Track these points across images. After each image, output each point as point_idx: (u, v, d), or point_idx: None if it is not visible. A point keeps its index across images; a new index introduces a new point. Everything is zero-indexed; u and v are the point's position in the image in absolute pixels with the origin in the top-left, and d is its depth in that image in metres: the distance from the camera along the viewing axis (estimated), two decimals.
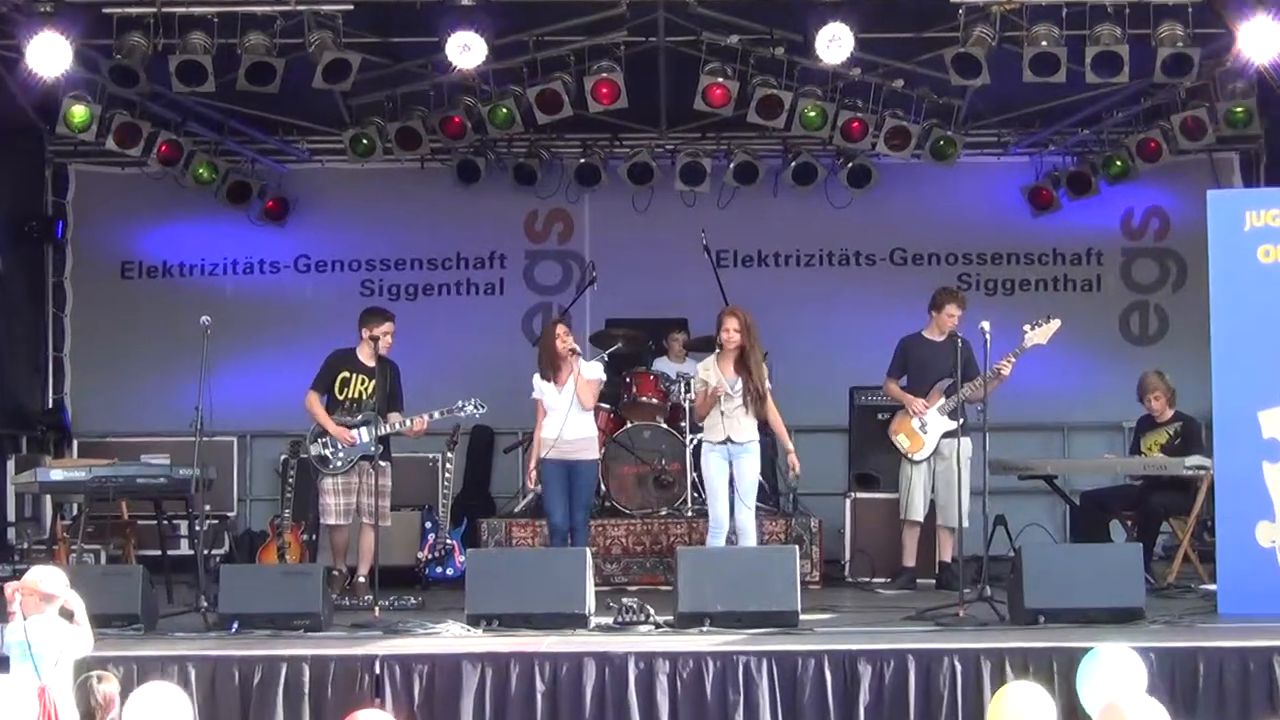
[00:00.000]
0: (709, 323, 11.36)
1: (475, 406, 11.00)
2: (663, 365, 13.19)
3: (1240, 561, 9.59)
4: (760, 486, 11.97)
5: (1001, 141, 14.36)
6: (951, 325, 11.47)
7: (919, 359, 11.65)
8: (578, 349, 10.96)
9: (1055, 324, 11.07)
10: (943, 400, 11.40)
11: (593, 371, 11.02)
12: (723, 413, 10.48)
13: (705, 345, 12.35)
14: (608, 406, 12.58)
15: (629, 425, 12.56)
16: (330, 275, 14.73)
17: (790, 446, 10.82)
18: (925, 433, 11.47)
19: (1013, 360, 10.98)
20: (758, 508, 11.92)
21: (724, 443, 10.52)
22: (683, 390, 12.35)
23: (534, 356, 11.34)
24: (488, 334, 14.52)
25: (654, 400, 12.56)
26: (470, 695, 8.18)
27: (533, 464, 10.93)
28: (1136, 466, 11.61)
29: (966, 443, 10.83)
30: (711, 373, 10.60)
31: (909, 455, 11.56)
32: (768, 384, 10.71)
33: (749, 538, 10.52)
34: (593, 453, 11.04)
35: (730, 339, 10.54)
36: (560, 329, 10.94)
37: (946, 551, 11.53)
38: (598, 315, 14.05)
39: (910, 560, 11.68)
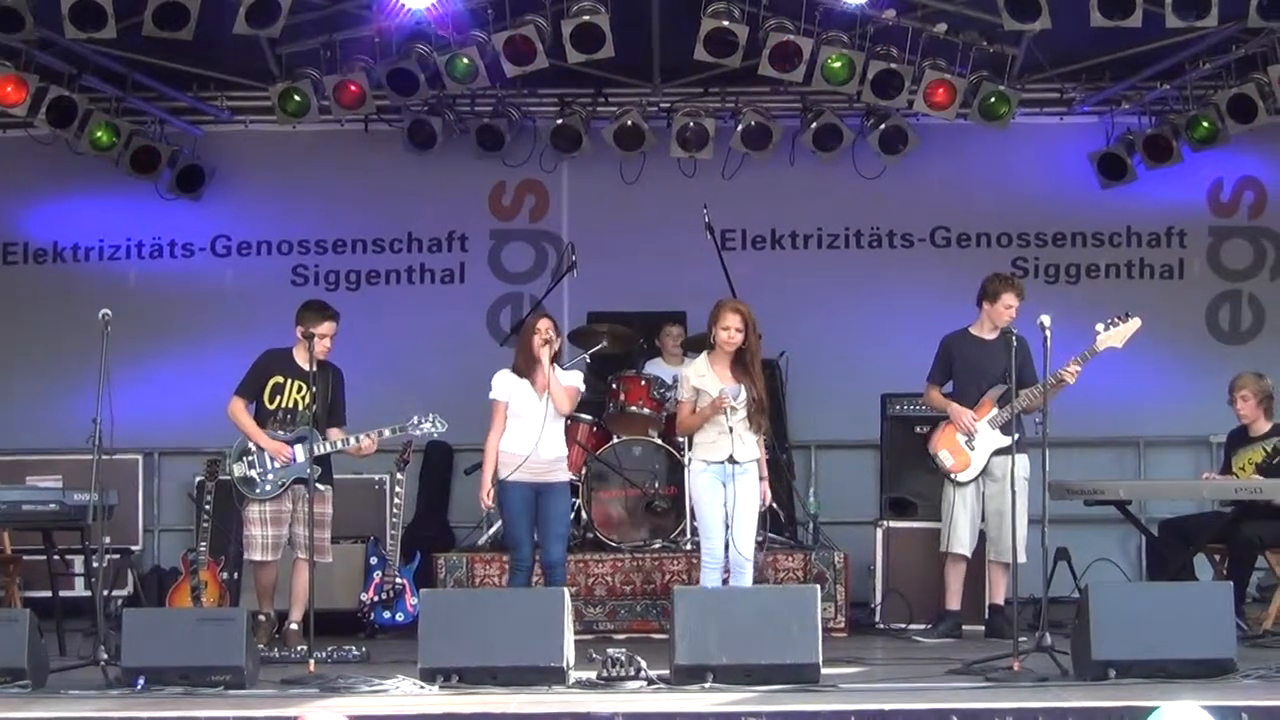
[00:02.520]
0: None
1: (433, 424, 11.01)
2: (656, 368, 13.23)
3: None
4: (775, 514, 12.02)
5: (1065, 99, 14.43)
6: (1008, 319, 11.49)
7: (967, 361, 11.69)
8: (553, 340, 10.80)
9: (1134, 324, 11.12)
10: (995, 411, 11.44)
11: (570, 379, 11.02)
12: (730, 428, 10.46)
13: (707, 344, 12.38)
14: (590, 418, 12.61)
15: (615, 441, 12.60)
16: (255, 260, 14.79)
17: (765, 472, 10.75)
18: (973, 449, 11.52)
19: (1079, 366, 11.03)
20: (771, 540, 11.98)
21: (723, 462, 10.53)
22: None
23: (501, 358, 11.34)
24: (446, 330, 14.60)
25: (645, 410, 12.60)
26: None
27: (487, 481, 10.86)
28: (1227, 490, 11.65)
29: (1022, 461, 10.85)
30: (707, 379, 10.60)
31: (953, 475, 11.61)
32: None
33: (745, 577, 10.51)
34: (565, 473, 11.03)
35: (731, 340, 10.55)
36: (545, 323, 10.90)
37: (999, 592, 11.57)
38: (578, 308, 14.09)
39: (954, 603, 11.73)
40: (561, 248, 14.43)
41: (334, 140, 14.55)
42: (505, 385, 10.87)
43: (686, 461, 12.07)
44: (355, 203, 14.79)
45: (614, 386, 12.68)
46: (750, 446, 10.56)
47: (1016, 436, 10.84)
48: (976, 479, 11.55)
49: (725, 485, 10.48)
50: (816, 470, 14.26)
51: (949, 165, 14.51)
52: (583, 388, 11.12)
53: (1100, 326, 11.12)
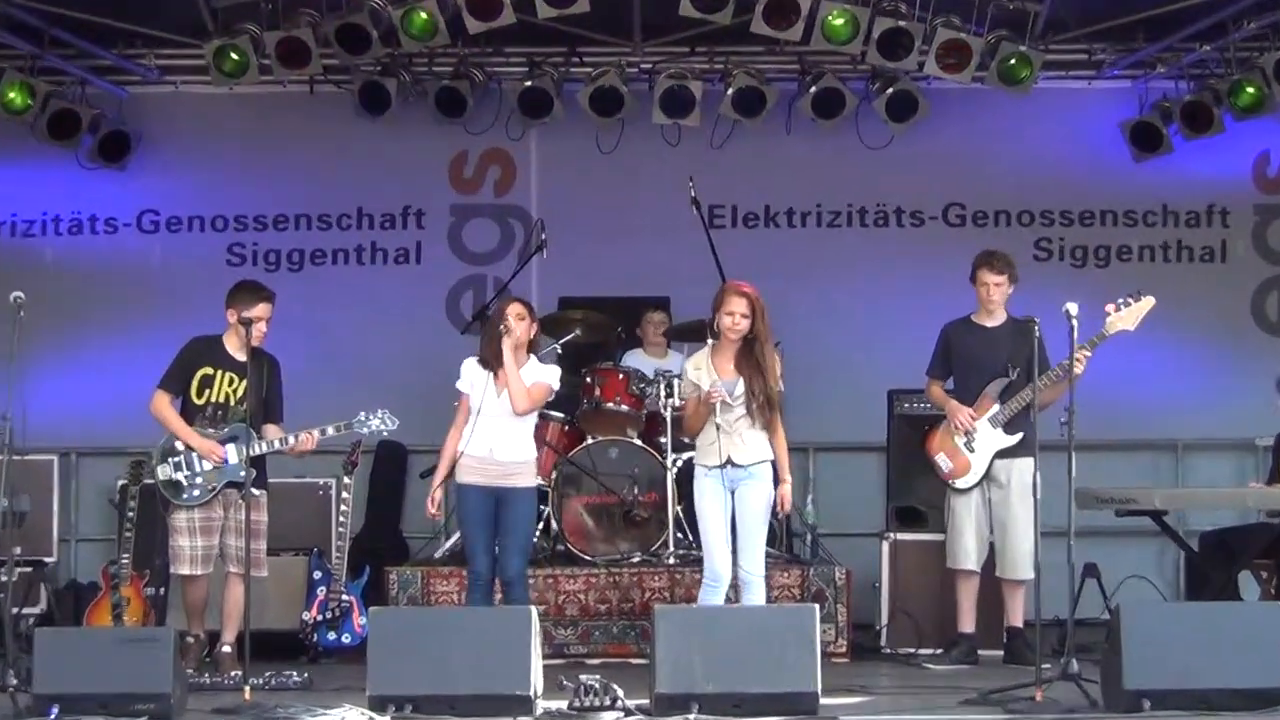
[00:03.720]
0: (698, 302, 11.34)
1: (383, 421, 10.99)
2: (636, 360, 13.24)
3: None
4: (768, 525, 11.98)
5: (1093, 61, 14.39)
6: (991, 300, 11.46)
7: (965, 352, 11.64)
8: (511, 326, 10.64)
9: (1148, 302, 11.07)
10: (996, 408, 11.39)
11: (542, 374, 10.86)
12: (718, 426, 10.41)
13: (693, 333, 12.35)
14: (561, 416, 12.60)
15: (590, 441, 12.55)
16: (186, 236, 14.75)
17: (787, 476, 10.68)
18: (972, 451, 11.48)
19: (1088, 353, 10.93)
20: (764, 553, 11.92)
21: (722, 467, 10.46)
22: (663, 393, 12.35)
23: (461, 347, 11.29)
24: (399, 316, 14.60)
25: (624, 407, 12.58)
26: None
27: (438, 485, 10.86)
28: (1275, 499, 11.63)
29: (1030, 464, 10.73)
30: (704, 372, 10.55)
31: (952, 481, 11.60)
32: (780, 386, 10.65)
33: (755, 595, 10.48)
34: (530, 478, 10.93)
35: (735, 326, 10.45)
36: (516, 307, 10.81)
37: (1016, 613, 11.55)
38: (548, 292, 14.05)
39: (968, 624, 11.70)
40: (530, 225, 14.39)
41: (275, 104, 14.51)
42: (469, 375, 10.79)
43: (670, 465, 12.07)
44: (299, 174, 14.78)
45: (588, 381, 12.64)
46: (754, 448, 10.47)
47: (1022, 435, 10.80)
48: (979, 484, 11.51)
49: (730, 493, 10.44)
50: (815, 476, 14.25)
51: (964, 135, 14.53)
52: (556, 385, 10.98)
53: (1110, 307, 11.05)
